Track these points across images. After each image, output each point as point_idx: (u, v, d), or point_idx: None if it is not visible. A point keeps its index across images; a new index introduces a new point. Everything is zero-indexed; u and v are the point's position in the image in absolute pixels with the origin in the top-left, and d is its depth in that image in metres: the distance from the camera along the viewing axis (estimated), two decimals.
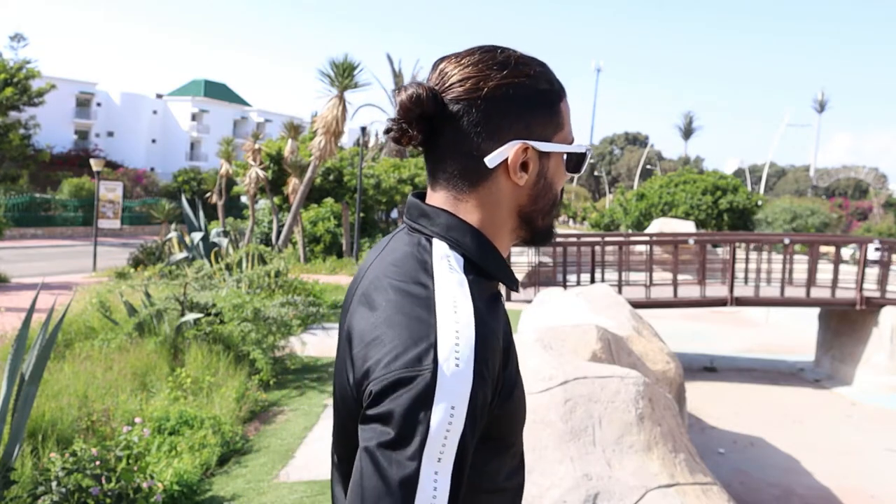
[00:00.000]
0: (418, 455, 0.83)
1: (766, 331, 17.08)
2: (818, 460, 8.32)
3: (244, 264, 11.54)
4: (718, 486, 3.47)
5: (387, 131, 1.01)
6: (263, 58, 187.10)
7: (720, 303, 12.54)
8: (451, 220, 1.00)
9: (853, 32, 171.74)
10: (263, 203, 24.72)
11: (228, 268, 11.03)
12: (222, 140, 25.43)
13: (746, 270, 13.54)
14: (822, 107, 63.04)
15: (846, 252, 22.82)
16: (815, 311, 13.86)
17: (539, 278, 13.19)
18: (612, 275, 13.08)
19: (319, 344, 9.35)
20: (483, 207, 1.01)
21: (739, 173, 66.51)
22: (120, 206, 28.77)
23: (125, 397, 5.68)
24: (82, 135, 51.48)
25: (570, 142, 1.06)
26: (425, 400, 0.84)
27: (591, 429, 3.39)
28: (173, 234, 14.53)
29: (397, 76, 35.41)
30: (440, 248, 0.98)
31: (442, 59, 1.02)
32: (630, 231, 33.43)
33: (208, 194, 26.66)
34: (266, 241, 22.15)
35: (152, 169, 49.16)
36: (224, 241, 13.79)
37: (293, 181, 20.46)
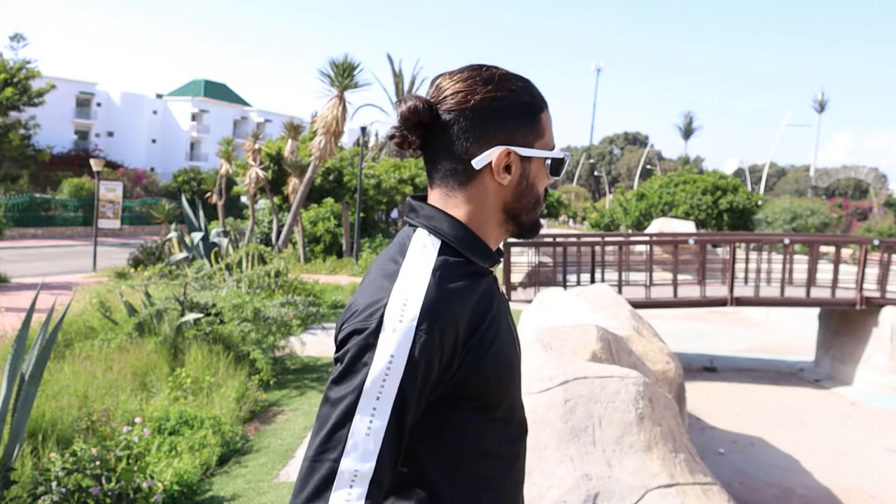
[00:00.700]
0: (358, 390, 1.01)
1: (766, 331, 17.07)
2: (818, 460, 8.32)
3: (244, 264, 11.54)
4: (718, 486, 3.47)
5: (390, 137, 1.16)
6: (263, 58, 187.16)
7: (720, 303, 12.53)
8: (432, 212, 1.16)
9: (853, 32, 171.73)
10: (263, 203, 24.70)
11: (228, 268, 11.03)
12: (222, 140, 25.39)
13: (746, 270, 13.52)
14: (822, 107, 62.99)
15: (846, 252, 22.81)
16: (815, 311, 13.85)
17: (539, 278, 13.18)
18: (612, 275, 13.07)
19: (319, 344, 9.35)
20: (470, 203, 1.16)
21: (739, 173, 66.53)
22: (120, 206, 28.76)
23: (125, 397, 5.68)
24: (82, 135, 51.46)
25: (551, 148, 1.21)
26: (369, 346, 1.02)
27: (591, 429, 3.39)
28: (173, 234, 14.51)
29: (397, 76, 35.41)
30: (420, 235, 1.14)
31: (439, 76, 1.18)
32: (630, 231, 33.43)
33: (208, 194, 26.63)
34: (266, 241, 22.14)
35: (152, 169, 49.16)
36: (224, 241, 13.78)
37: (293, 181, 20.46)
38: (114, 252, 21.91)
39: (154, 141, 56.01)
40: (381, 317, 1.03)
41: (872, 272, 12.97)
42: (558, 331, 4.65)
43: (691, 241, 13.63)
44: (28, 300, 11.21)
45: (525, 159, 1.16)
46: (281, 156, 22.32)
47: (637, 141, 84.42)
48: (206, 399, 5.99)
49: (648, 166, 69.40)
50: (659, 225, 27.20)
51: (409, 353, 1.01)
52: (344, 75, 17.75)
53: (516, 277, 13.20)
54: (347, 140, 40.28)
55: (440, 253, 1.11)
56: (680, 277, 13.00)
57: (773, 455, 8.51)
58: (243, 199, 30.63)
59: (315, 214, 21.90)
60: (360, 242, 21.18)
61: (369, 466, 0.99)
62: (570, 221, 60.99)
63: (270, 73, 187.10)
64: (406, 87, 35.50)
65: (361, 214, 21.74)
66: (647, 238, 16.51)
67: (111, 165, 39.26)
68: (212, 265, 11.16)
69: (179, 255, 13.09)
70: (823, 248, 17.44)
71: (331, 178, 23.62)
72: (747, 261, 13.51)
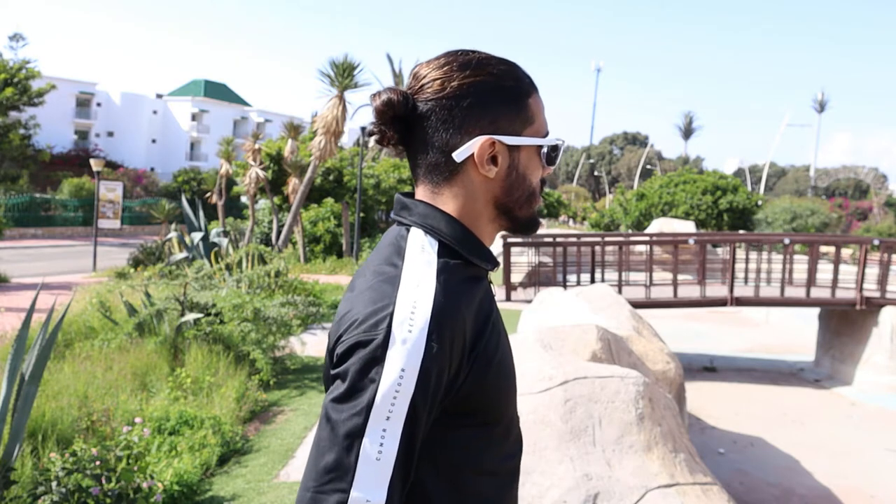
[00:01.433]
0: (366, 411, 0.90)
1: (766, 331, 17.07)
2: (818, 460, 8.32)
3: (244, 264, 11.54)
4: (718, 486, 3.47)
5: (369, 134, 1.08)
6: (263, 58, 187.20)
7: (720, 303, 12.53)
8: (427, 209, 1.07)
9: (853, 32, 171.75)
10: (263, 203, 24.70)
11: (228, 268, 11.02)
12: (222, 140, 25.39)
13: (746, 270, 13.53)
14: (822, 107, 63.01)
15: (846, 252, 22.81)
16: (815, 311, 13.85)
17: (539, 278, 13.19)
18: (612, 275, 13.07)
19: (319, 344, 9.35)
20: (458, 198, 1.07)
21: (739, 173, 66.51)
22: (120, 206, 28.76)
23: (125, 397, 5.68)
24: (82, 135, 51.48)
25: (544, 135, 1.10)
26: (376, 360, 0.91)
27: (591, 429, 3.39)
28: (173, 234, 14.51)
29: (397, 76, 35.37)
30: (416, 235, 1.05)
31: (417, 65, 1.10)
32: (630, 231, 33.42)
33: (208, 194, 26.63)
34: (266, 241, 22.14)
35: (152, 169, 49.17)
36: (224, 241, 13.78)
37: (293, 181, 20.46)
38: (114, 252, 21.92)
39: (154, 141, 56.03)
40: (389, 326, 0.92)
41: (872, 272, 12.98)
42: (558, 331, 4.65)
43: (691, 241, 13.63)
44: (28, 300, 11.21)
45: (513, 148, 1.06)
46: (281, 156, 22.31)
47: (637, 141, 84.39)
48: (206, 399, 5.99)
49: (648, 166, 69.39)
50: (659, 225, 27.20)
51: (420, 366, 0.91)
52: (344, 75, 17.75)
53: (516, 277, 13.21)
54: (347, 140, 40.25)
55: (439, 255, 1.03)
56: (680, 277, 13.00)
57: (773, 455, 8.51)
58: (243, 199, 30.63)
59: (315, 214, 21.90)
60: (360, 242, 21.17)
61: (381, 495, 0.89)
62: (570, 221, 60.93)
63: (270, 73, 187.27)
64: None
65: (361, 214, 21.73)
66: (647, 238, 16.50)
67: (111, 165, 39.27)
68: (212, 265, 11.16)
69: (179, 255, 13.09)
70: (823, 248, 17.43)
71: (331, 178, 23.61)
72: (747, 261, 13.51)
